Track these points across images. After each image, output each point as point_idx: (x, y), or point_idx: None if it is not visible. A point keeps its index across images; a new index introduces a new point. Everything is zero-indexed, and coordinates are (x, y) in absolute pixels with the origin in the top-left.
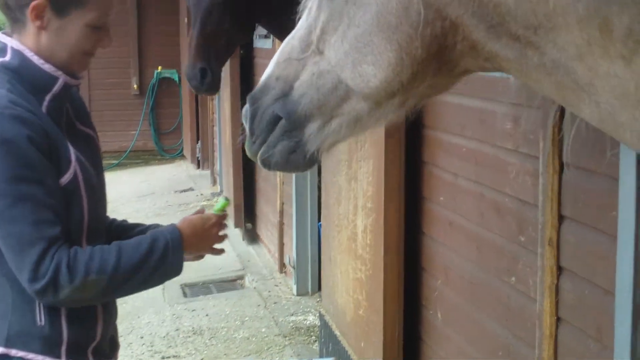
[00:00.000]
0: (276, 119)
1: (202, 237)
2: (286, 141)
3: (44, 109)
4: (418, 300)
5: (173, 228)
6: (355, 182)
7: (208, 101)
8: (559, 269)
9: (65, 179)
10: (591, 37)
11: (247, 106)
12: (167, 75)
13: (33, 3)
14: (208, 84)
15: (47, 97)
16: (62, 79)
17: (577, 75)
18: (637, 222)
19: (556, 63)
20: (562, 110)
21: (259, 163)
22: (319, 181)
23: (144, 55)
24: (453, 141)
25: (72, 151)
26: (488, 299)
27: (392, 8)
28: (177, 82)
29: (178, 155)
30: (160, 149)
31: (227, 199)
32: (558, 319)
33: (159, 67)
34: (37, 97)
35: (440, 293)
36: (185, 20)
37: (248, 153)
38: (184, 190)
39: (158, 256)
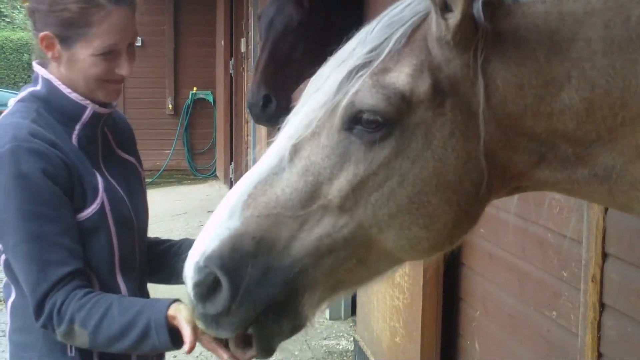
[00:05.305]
0: (272, 304)
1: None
2: (282, 322)
3: (74, 138)
4: (455, 331)
5: (161, 310)
6: None
7: (243, 123)
8: (602, 305)
9: (91, 210)
10: None
11: (201, 269)
12: (202, 96)
13: (41, 34)
14: (269, 113)
15: (77, 127)
16: (90, 107)
17: (633, 175)
18: None
19: (608, 170)
20: None
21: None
22: None
23: (179, 76)
24: None
25: (101, 181)
26: (528, 332)
27: (451, 164)
28: (212, 103)
29: (211, 175)
30: (194, 168)
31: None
32: (599, 355)
33: (194, 88)
34: (67, 127)
35: (478, 324)
36: (222, 42)
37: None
38: None
39: (138, 333)
